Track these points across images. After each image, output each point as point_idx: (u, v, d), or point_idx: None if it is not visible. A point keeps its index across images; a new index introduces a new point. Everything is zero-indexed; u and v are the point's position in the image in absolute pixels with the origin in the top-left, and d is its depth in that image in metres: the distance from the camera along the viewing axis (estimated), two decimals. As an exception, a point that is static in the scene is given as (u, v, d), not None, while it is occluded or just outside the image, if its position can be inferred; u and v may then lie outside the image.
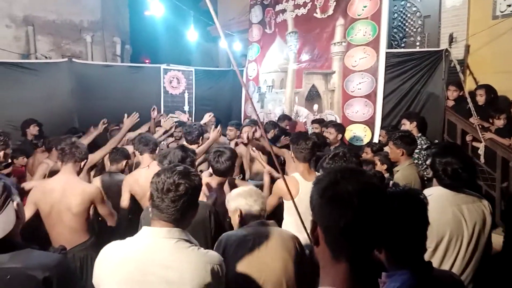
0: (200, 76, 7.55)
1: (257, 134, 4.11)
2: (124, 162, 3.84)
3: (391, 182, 3.40)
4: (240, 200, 2.19)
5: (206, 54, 11.81)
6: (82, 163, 2.82)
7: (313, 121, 5.84)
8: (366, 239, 0.93)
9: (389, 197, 1.35)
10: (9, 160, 2.95)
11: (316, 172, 2.89)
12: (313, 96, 6.27)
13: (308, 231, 1.04)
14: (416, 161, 4.11)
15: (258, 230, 2.09)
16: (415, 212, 1.36)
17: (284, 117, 6.12)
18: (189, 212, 1.60)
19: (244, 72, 7.55)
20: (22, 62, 6.54)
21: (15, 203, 1.52)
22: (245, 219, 2.16)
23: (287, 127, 5.89)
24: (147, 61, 11.49)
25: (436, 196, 2.11)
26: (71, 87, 6.29)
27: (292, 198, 2.18)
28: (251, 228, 2.11)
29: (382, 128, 5.30)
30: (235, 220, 2.20)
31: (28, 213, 2.68)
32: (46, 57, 8.41)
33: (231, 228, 2.28)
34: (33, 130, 5.19)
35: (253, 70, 7.34)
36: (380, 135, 5.27)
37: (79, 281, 1.60)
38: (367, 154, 4.34)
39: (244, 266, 1.99)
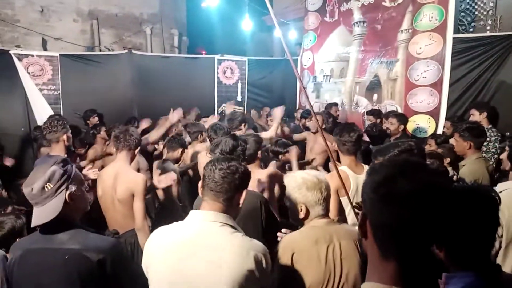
0: (253, 66, 7.52)
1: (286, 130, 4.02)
2: (180, 150, 3.89)
3: (454, 177, 3.16)
4: (304, 192, 1.87)
5: (261, 43, 11.76)
6: (136, 150, 2.88)
7: (368, 112, 5.60)
8: (420, 241, 0.86)
9: (455, 194, 1.23)
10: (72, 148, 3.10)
11: (365, 165, 2.70)
12: (374, 86, 6.01)
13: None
14: (484, 154, 3.77)
15: (328, 231, 1.82)
16: (483, 211, 1.21)
17: (330, 105, 5.99)
18: (237, 193, 1.61)
19: (298, 61, 7.41)
20: (86, 54, 6.90)
21: (67, 192, 1.58)
22: (308, 215, 1.88)
23: (337, 114, 5.78)
24: (203, 52, 11.67)
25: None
26: (131, 77, 6.55)
27: (347, 193, 2.07)
28: (320, 228, 1.83)
29: (447, 119, 4.95)
30: (297, 216, 1.92)
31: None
32: (109, 49, 8.82)
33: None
34: (93, 120, 5.47)
35: (308, 59, 7.18)
36: (444, 127, 4.93)
37: (131, 265, 1.64)
38: (431, 146, 4.06)
39: (317, 272, 1.77)
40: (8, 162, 4.28)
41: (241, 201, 1.63)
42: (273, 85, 7.62)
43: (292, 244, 1.82)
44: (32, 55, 5.93)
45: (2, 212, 2.05)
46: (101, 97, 6.17)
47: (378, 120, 5.21)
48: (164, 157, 4.10)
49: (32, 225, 1.57)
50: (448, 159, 3.51)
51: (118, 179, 2.77)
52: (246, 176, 1.66)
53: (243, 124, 4.01)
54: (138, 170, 3.59)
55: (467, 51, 4.93)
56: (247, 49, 11.88)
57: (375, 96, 6.00)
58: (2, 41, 7.77)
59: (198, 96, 6.78)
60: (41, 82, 5.97)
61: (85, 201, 1.71)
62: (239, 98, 7.34)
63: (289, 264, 1.79)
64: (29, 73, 5.80)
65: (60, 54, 6.26)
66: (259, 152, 2.96)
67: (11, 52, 5.69)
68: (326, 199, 1.90)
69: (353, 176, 2.63)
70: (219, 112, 6.96)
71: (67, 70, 6.18)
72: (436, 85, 5.14)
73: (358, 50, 6.26)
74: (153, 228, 2.73)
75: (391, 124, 4.49)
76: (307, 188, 1.88)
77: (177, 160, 3.88)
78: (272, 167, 3.33)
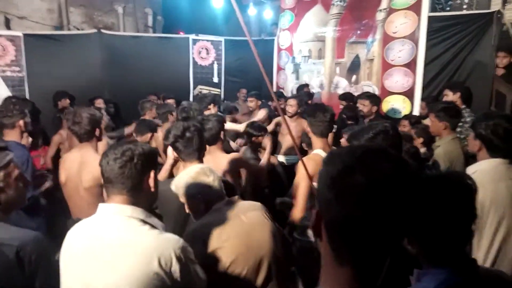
0: (229, 46, 7.32)
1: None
2: (149, 135, 3.76)
3: (430, 160, 3.13)
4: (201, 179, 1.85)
5: (238, 24, 11.50)
6: (96, 132, 2.70)
7: (340, 97, 5.46)
8: (379, 244, 0.74)
9: (425, 183, 1.12)
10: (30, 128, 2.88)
11: None
12: (354, 67, 5.93)
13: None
14: (459, 135, 3.78)
15: (231, 209, 1.82)
16: (458, 201, 1.11)
17: (302, 86, 5.96)
18: (144, 178, 1.45)
19: (275, 41, 7.25)
20: (53, 34, 6.54)
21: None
22: (209, 203, 1.85)
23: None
24: (180, 32, 11.35)
25: (483, 171, 1.86)
26: (101, 58, 6.27)
27: (311, 180, 2.00)
28: (220, 211, 1.81)
29: (422, 99, 4.93)
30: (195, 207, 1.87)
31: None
32: (78, 29, 8.43)
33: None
34: (64, 102, 5.21)
35: (286, 39, 7.03)
36: (420, 107, 4.92)
37: (52, 260, 1.50)
38: (405, 127, 4.04)
39: (236, 249, 1.74)
40: None
41: (152, 183, 1.48)
42: (250, 66, 7.43)
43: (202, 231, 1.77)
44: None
45: None
46: (70, 79, 5.85)
47: (351, 103, 5.15)
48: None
49: None
50: (421, 139, 3.48)
51: (84, 167, 2.61)
52: (148, 155, 1.48)
53: (211, 104, 3.91)
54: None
55: (442, 30, 4.90)
56: (224, 29, 11.61)
57: (354, 77, 5.94)
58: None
59: (172, 77, 6.56)
60: (3, 63, 5.64)
61: (18, 195, 1.54)
62: (215, 80, 7.16)
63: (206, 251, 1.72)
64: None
65: (24, 34, 5.92)
66: (221, 133, 2.85)
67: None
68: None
69: None
70: (194, 94, 6.79)
71: (32, 51, 5.85)
72: (411, 65, 5.11)
73: (334, 30, 6.14)
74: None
75: (363, 106, 4.43)
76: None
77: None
78: (241, 152, 3.25)
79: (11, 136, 2.78)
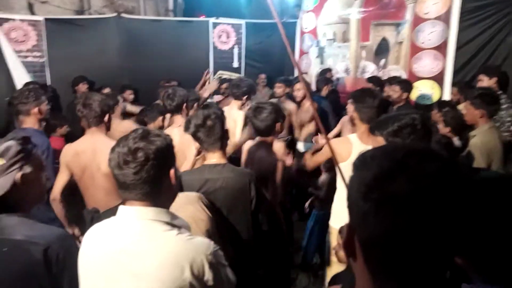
0: (250, 29, 7.12)
1: None
2: (160, 118, 3.65)
3: (464, 151, 2.92)
4: None
5: (261, 6, 11.23)
6: (105, 118, 2.61)
7: (368, 79, 5.24)
8: (429, 264, 0.62)
9: (477, 187, 0.93)
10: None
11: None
12: (382, 50, 5.65)
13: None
14: (497, 124, 3.53)
15: None
16: None
17: (325, 71, 5.76)
18: (162, 181, 1.29)
19: (298, 24, 7.01)
20: (73, 19, 6.51)
21: (20, 173, 1.36)
22: None
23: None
24: (202, 16, 11.21)
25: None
26: (120, 43, 6.21)
27: (337, 163, 1.88)
28: None
29: (454, 84, 4.66)
30: None
31: (63, 177, 2.61)
32: (99, 14, 8.39)
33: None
34: (82, 87, 5.17)
35: (310, 22, 6.78)
36: (451, 93, 4.65)
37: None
38: (436, 115, 3.81)
39: None
40: None
41: (173, 181, 1.34)
42: (271, 50, 7.24)
43: None
44: (14, 19, 5.57)
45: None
46: (90, 64, 5.83)
47: (378, 88, 4.92)
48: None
49: None
50: (448, 128, 3.25)
51: (100, 153, 2.52)
52: (165, 151, 1.30)
53: (246, 97, 3.73)
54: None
55: (477, 11, 4.58)
56: (245, 12, 11.38)
57: (382, 61, 5.68)
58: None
59: (191, 62, 6.44)
60: (25, 48, 5.64)
61: (41, 189, 1.48)
62: (235, 64, 7.00)
63: None
64: (11, 39, 5.45)
65: (45, 18, 5.89)
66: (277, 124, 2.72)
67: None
68: None
69: (359, 146, 2.41)
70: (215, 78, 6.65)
71: (54, 35, 5.83)
72: (441, 48, 4.82)
73: (359, 11, 5.86)
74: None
75: (393, 92, 4.21)
76: None
77: (160, 129, 3.65)
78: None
79: (28, 123, 2.73)
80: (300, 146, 4.45)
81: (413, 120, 1.78)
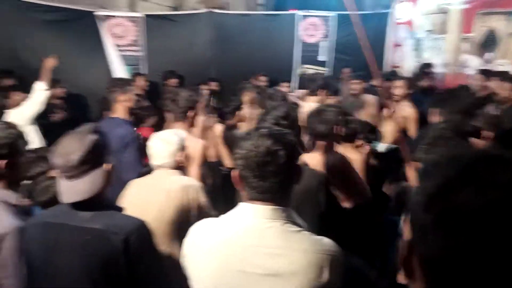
0: (339, 22, 6.85)
1: None
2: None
3: None
4: None
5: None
6: (190, 114, 2.67)
7: (479, 71, 4.63)
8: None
9: None
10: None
11: None
12: (489, 43, 5.06)
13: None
14: None
15: None
16: None
17: (426, 65, 5.21)
18: (292, 182, 1.28)
19: (391, 14, 6.58)
20: (170, 14, 6.91)
21: (106, 166, 1.45)
22: None
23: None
24: (294, 10, 11.17)
25: None
26: (210, 37, 6.42)
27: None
28: None
29: None
30: None
31: None
32: (193, 10, 8.79)
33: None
34: (172, 82, 5.43)
35: (405, 12, 6.32)
36: None
37: (156, 248, 1.48)
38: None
39: None
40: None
41: (299, 176, 1.30)
42: (360, 43, 6.88)
43: None
44: (116, 16, 6.07)
45: (47, 176, 2.02)
46: (182, 57, 6.15)
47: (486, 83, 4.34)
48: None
49: (66, 201, 1.43)
50: None
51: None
52: (297, 154, 1.29)
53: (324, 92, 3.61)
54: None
55: None
56: (335, 4, 11.02)
57: (488, 55, 5.08)
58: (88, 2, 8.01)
59: (277, 55, 6.42)
60: (125, 43, 6.12)
61: (112, 177, 1.57)
62: (321, 58, 6.81)
63: None
64: (112, 34, 5.93)
65: (146, 15, 6.33)
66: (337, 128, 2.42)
67: (94, 13, 5.85)
68: None
69: None
70: (297, 73, 6.56)
71: (152, 30, 6.24)
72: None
73: (463, 0, 5.29)
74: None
75: (503, 90, 3.67)
76: None
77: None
78: None
79: (117, 112, 2.94)
80: (381, 147, 4.15)
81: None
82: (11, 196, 1.74)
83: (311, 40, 6.80)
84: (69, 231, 1.43)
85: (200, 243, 1.27)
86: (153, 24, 6.27)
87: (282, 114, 2.05)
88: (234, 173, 1.25)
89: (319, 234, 1.38)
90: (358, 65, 6.21)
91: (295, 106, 2.18)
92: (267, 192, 1.20)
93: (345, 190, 2.32)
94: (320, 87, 3.57)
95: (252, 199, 1.23)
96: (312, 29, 6.77)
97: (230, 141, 3.38)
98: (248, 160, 1.19)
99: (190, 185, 2.09)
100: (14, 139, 1.74)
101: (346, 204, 2.45)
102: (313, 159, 2.19)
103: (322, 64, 6.70)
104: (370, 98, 4.30)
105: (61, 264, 1.42)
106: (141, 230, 1.46)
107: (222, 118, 4.02)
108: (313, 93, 3.59)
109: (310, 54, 6.75)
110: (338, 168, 2.24)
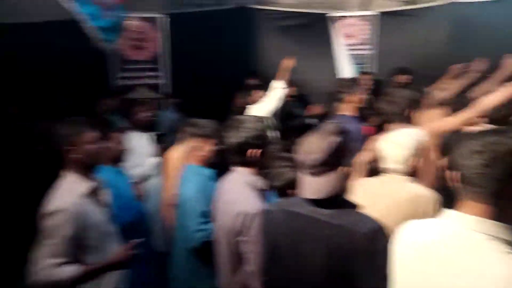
0: None
1: None
2: None
3: None
4: None
5: None
6: (406, 113, 2.51)
7: None
8: None
9: None
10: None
11: None
12: None
13: None
14: None
15: None
16: None
17: None
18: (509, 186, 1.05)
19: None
20: (405, 10, 6.61)
21: (347, 169, 1.57)
22: None
23: None
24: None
25: None
26: (449, 31, 5.85)
27: None
28: None
29: None
30: None
31: None
32: (429, 2, 8.17)
33: None
34: (402, 78, 5.12)
35: None
36: None
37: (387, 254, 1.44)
38: None
39: None
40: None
41: None
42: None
43: None
44: (348, 16, 6.17)
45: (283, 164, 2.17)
46: (415, 56, 5.79)
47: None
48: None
49: (309, 196, 1.54)
50: None
51: None
52: None
53: None
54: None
55: None
56: None
57: None
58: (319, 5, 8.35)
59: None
60: (355, 42, 6.17)
61: (348, 181, 1.61)
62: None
63: None
64: (343, 34, 6.03)
65: (380, 12, 6.24)
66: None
67: (327, 15, 6.07)
68: None
69: None
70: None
71: (385, 28, 6.15)
72: None
73: None
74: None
75: None
76: None
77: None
78: None
79: (345, 110, 3.02)
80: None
81: None
82: (259, 182, 2.02)
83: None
84: (315, 224, 1.52)
85: (407, 240, 1.27)
86: (388, 21, 6.15)
87: None
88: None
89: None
90: None
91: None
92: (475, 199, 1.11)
93: None
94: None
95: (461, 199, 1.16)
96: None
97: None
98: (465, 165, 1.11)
99: (422, 195, 1.93)
100: (264, 131, 2.01)
101: None
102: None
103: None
104: None
105: (305, 253, 1.53)
106: (383, 230, 1.46)
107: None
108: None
109: None
110: None
